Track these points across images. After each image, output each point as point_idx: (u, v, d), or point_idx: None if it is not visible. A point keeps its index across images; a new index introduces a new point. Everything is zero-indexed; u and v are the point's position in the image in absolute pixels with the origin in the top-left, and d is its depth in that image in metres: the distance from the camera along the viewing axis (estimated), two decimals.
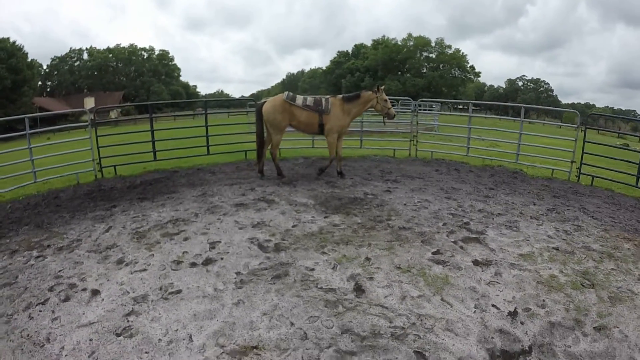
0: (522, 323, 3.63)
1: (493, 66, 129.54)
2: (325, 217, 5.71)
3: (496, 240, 5.34)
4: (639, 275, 4.65)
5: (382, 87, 7.70)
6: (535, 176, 9.33)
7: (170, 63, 71.13)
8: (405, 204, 6.63)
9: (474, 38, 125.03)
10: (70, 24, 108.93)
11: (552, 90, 73.00)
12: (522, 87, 73.17)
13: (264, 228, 5.21)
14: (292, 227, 5.30)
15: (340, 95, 7.82)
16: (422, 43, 61.02)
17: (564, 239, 5.53)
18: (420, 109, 15.19)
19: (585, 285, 4.32)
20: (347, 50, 71.00)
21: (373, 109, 7.81)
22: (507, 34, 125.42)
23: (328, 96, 7.75)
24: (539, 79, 73.10)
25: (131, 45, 66.58)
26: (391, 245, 4.86)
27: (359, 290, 3.81)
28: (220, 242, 4.78)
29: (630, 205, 7.56)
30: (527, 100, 63.19)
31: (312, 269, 4.14)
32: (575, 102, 76.30)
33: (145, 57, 68.12)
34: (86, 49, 64.81)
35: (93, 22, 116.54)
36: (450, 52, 60.84)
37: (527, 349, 3.30)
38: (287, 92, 7.75)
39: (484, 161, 10.54)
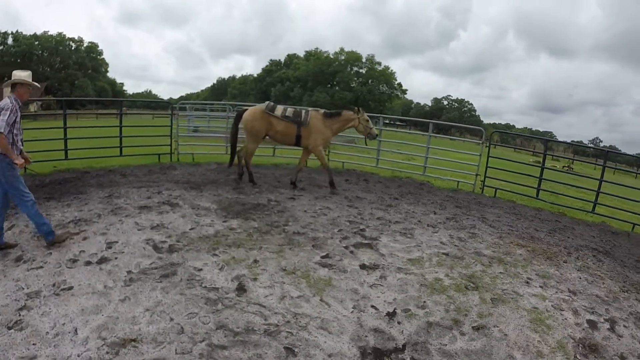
0: (399, 323, 3.74)
1: (422, 85, 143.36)
2: (224, 222, 6.01)
3: (388, 246, 5.56)
4: (526, 278, 5.08)
5: (362, 108, 8.24)
6: (442, 187, 10.10)
7: (98, 57, 67.28)
8: (305, 211, 6.86)
9: (406, 57, 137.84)
10: (2, 5, 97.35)
11: (475, 110, 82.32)
12: (447, 106, 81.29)
13: (162, 230, 5.50)
14: (190, 229, 5.60)
15: (322, 110, 8.30)
16: (353, 58, 64.54)
17: (456, 245, 5.90)
18: None
19: (469, 288, 4.58)
20: (279, 60, 72.92)
21: (355, 129, 8.27)
22: (437, 56, 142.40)
23: (309, 109, 8.20)
24: (464, 99, 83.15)
25: (59, 34, 61.89)
26: (282, 249, 5.15)
27: (241, 289, 4.08)
28: (117, 242, 5.03)
29: (529, 215, 8.41)
30: (451, 118, 70.55)
31: (200, 270, 4.44)
32: (497, 122, 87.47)
33: (73, 48, 63.72)
34: (11, 33, 59.37)
35: (26, 5, 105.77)
36: (379, 68, 65.01)
37: (400, 347, 3.42)
38: (267, 102, 8.14)
39: (393, 172, 11.16)
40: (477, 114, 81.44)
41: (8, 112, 4.18)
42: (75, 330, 3.32)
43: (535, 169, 11.34)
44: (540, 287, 4.93)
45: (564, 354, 3.63)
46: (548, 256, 6.00)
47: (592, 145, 62.11)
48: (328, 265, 4.75)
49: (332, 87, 64.86)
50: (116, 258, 4.59)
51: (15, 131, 4.31)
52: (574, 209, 9.17)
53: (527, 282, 4.98)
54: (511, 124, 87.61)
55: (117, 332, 3.30)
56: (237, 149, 8.45)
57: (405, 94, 70.76)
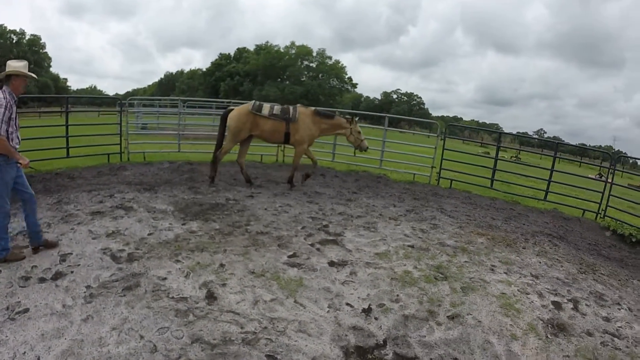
0: (376, 319, 3.66)
1: (372, 79, 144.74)
2: (183, 224, 5.73)
3: (353, 242, 5.49)
4: (490, 266, 5.21)
5: (357, 119, 8.21)
6: (398, 180, 10.26)
7: (41, 51, 61.04)
8: (266, 209, 6.65)
9: (356, 51, 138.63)
10: None
11: (423, 104, 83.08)
12: (396, 100, 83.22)
13: (118, 237, 5.15)
14: (148, 235, 5.28)
15: (312, 107, 8.13)
16: (304, 52, 64.45)
17: (419, 237, 5.97)
18: None
19: (438, 279, 4.62)
20: (229, 53, 71.09)
21: (346, 139, 8.23)
22: (387, 50, 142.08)
23: (297, 105, 8.04)
24: (412, 93, 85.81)
25: (0, 26, 55.80)
26: (247, 251, 4.94)
27: (211, 297, 3.85)
28: (71, 253, 4.63)
29: (485, 204, 8.74)
30: (400, 112, 72.17)
31: (164, 278, 4.16)
32: (445, 115, 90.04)
33: (14, 41, 57.44)
34: None
35: None
36: (330, 62, 65.52)
37: (381, 342, 3.35)
38: (254, 101, 7.98)
39: (349, 167, 11.20)
40: (425, 107, 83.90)
41: (3, 110, 3.81)
42: (38, 358, 3.00)
43: (488, 160, 11.79)
44: (505, 273, 5.08)
45: (536, 335, 3.75)
46: (508, 243, 6.22)
47: (536, 136, 66.40)
48: (297, 265, 4.59)
49: (283, 82, 64.33)
50: (72, 272, 4.22)
51: (10, 129, 3.96)
52: (527, 197, 9.64)
53: (492, 269, 5.12)
54: (459, 117, 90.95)
55: (85, 357, 3.01)
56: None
57: (356, 88, 71.89)
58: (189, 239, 5.15)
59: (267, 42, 66.85)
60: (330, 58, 65.75)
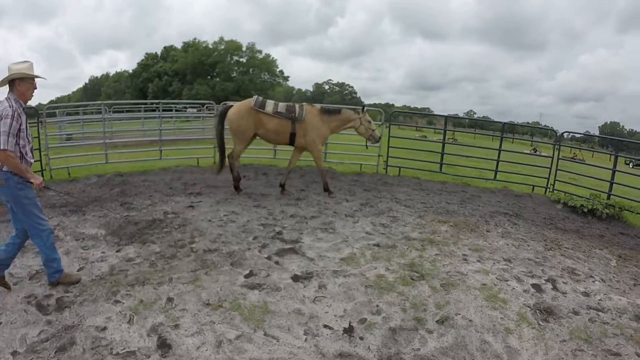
0: (361, 338, 3.19)
1: (303, 71, 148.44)
2: (117, 251, 4.85)
3: (313, 248, 4.98)
4: (462, 255, 5.01)
5: (366, 109, 7.62)
6: (345, 172, 9.90)
7: None
8: (210, 220, 5.85)
9: (286, 44, 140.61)
10: None
11: (355, 93, 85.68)
12: (329, 90, 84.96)
13: (43, 278, 4.14)
14: (78, 270, 4.38)
15: (318, 105, 7.59)
16: (233, 47, 62.66)
17: (382, 233, 5.62)
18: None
19: (415, 279, 4.28)
20: (156, 53, 67.27)
21: (355, 131, 7.65)
22: (317, 42, 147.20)
23: (303, 103, 7.44)
24: (344, 83, 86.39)
25: None
26: (196, 276, 4.19)
27: (163, 346, 3.14)
28: None
29: (437, 189, 8.70)
30: (333, 102, 73.18)
31: (104, 328, 3.38)
32: (377, 102, 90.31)
33: None
34: None
35: None
36: (260, 56, 64.54)
37: None
38: (256, 96, 7.31)
39: None
40: (358, 95, 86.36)
41: (9, 120, 3.30)
42: None
43: (434, 144, 11.84)
44: (478, 261, 4.91)
45: (528, 324, 3.61)
46: (471, 228, 6.11)
47: (467, 116, 70.29)
48: (257, 286, 3.95)
49: (213, 79, 62.47)
50: None
51: (21, 142, 3.46)
52: (476, 178, 9.68)
53: (465, 259, 4.91)
54: (390, 103, 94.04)
55: None
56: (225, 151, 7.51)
57: (287, 80, 71.42)
58: (126, 270, 4.32)
59: (195, 38, 64.61)
60: (260, 52, 64.49)
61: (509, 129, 43.91)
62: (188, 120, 21.92)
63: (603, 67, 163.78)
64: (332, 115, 7.43)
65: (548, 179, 8.92)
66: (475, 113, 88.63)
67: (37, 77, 3.56)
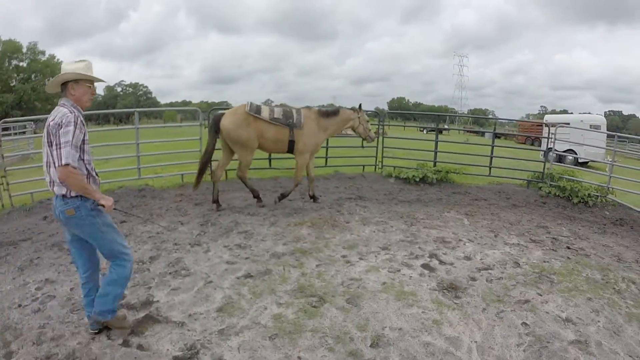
0: None
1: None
2: None
3: (175, 305, 3.67)
4: (342, 259, 4.65)
5: (361, 108, 7.37)
6: (165, 187, 7.99)
7: None
8: (20, 305, 3.66)
9: (72, 43, 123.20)
10: None
11: (151, 93, 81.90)
12: (122, 93, 77.42)
13: None
14: None
15: (315, 108, 7.13)
16: (12, 49, 49.31)
17: (246, 258, 4.69)
18: (9, 133, 13.74)
19: (316, 305, 3.68)
20: None
21: (353, 131, 7.37)
22: (107, 39, 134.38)
23: (299, 107, 7.04)
24: (138, 83, 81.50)
25: None
26: None
27: None
28: None
29: (270, 186, 8.22)
30: (127, 105, 66.93)
31: None
32: (174, 101, 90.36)
33: None
34: None
35: None
36: (44, 59, 52.98)
37: None
38: (249, 102, 6.72)
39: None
40: (153, 95, 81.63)
41: (72, 128, 2.71)
42: None
43: None
44: (361, 259, 4.70)
45: (447, 307, 3.67)
46: (331, 223, 5.92)
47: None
48: None
49: None
50: None
51: (86, 156, 2.89)
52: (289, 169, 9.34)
53: (348, 262, 4.60)
54: (187, 100, 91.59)
55: None
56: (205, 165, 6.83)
57: None
58: None
59: None
60: (43, 53, 54.05)
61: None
62: None
63: (388, 52, 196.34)
64: (330, 118, 7.11)
65: (376, 157, 9.50)
66: (273, 101, 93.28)
67: (96, 79, 2.98)
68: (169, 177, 8.50)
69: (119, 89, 79.08)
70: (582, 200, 7.76)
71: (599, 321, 3.60)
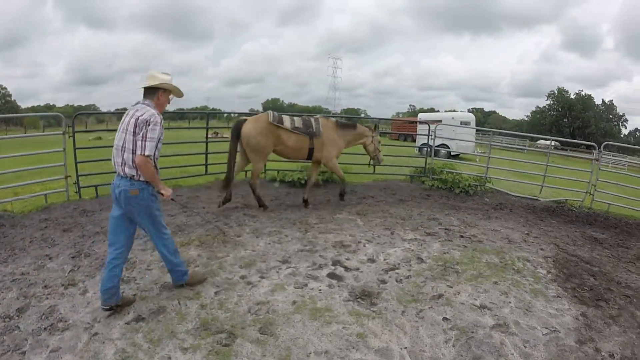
0: None
1: None
2: None
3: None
4: (242, 280, 4.25)
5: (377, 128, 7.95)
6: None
7: None
8: None
9: None
10: None
11: (10, 95, 70.27)
12: None
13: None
14: None
15: (333, 119, 7.69)
16: None
17: (135, 295, 4.09)
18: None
19: (226, 343, 3.25)
20: None
21: (364, 148, 7.79)
22: None
23: (317, 116, 7.50)
24: None
25: None
26: None
27: None
28: None
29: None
30: None
31: None
32: (36, 105, 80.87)
33: None
34: None
35: None
36: None
37: None
38: (271, 111, 7.06)
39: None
40: (13, 99, 68.80)
41: (159, 127, 3.40)
42: None
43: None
44: (263, 277, 4.36)
45: (366, 317, 3.60)
46: (221, 239, 5.44)
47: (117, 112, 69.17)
48: None
49: None
50: None
51: (157, 153, 3.49)
52: (185, 177, 8.74)
53: (249, 282, 4.21)
54: (51, 104, 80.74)
55: None
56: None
57: None
58: None
59: None
60: None
61: (179, 117, 44.45)
62: None
63: (263, 53, 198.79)
64: (347, 130, 7.55)
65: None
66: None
67: (180, 95, 3.67)
68: (31, 197, 7.06)
69: None
70: (463, 190, 8.62)
71: (510, 302, 3.98)
